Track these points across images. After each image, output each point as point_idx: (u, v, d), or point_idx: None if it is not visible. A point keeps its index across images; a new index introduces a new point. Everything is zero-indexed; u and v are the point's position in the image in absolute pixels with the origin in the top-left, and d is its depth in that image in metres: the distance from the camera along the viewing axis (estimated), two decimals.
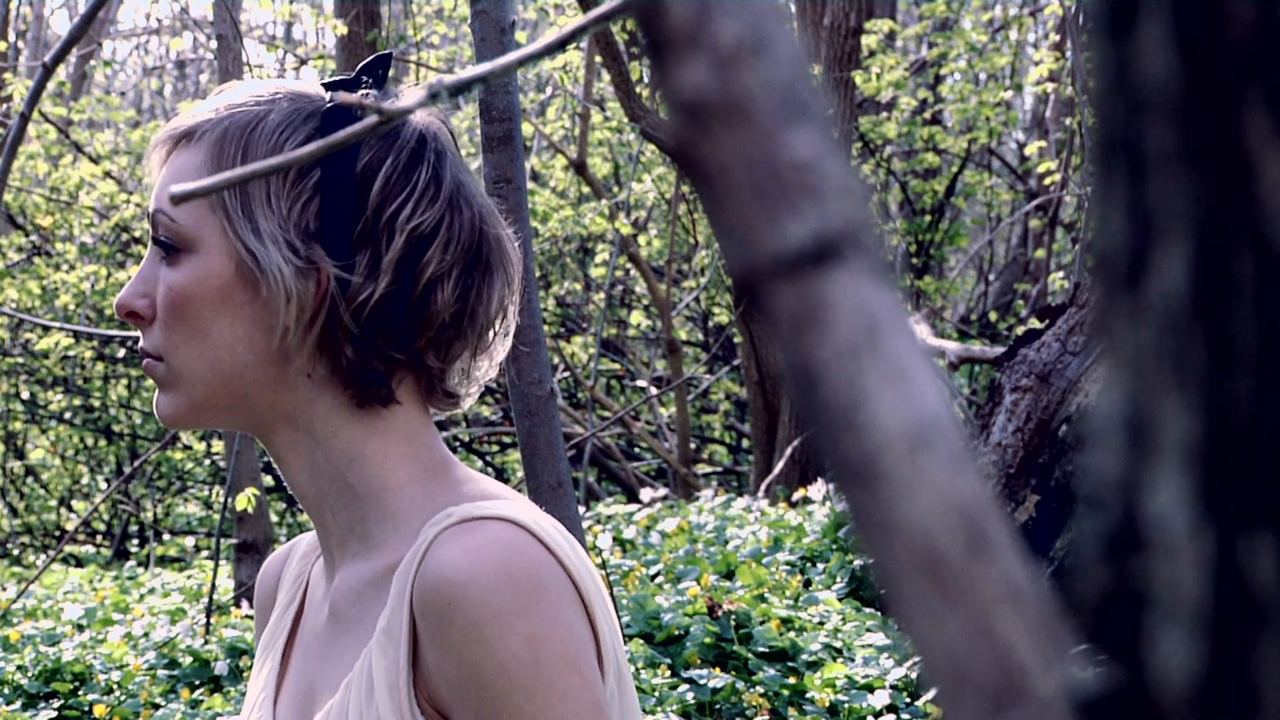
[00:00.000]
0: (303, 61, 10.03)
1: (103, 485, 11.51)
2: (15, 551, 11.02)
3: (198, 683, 4.59)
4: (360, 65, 1.33)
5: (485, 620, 1.13)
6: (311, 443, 1.26)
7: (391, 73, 1.36)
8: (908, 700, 4.08)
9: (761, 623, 4.42)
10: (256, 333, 1.23)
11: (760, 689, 4.05)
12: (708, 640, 4.24)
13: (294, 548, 1.41)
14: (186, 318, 1.23)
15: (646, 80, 7.61)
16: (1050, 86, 9.07)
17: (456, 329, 1.25)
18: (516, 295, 1.30)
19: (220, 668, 4.57)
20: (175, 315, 1.24)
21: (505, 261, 1.28)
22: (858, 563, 5.06)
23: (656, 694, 4.00)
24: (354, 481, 1.25)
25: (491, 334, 1.28)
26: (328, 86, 1.30)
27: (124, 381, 11.21)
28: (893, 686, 4.13)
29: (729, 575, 5.11)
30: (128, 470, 10.39)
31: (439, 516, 1.19)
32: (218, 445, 10.53)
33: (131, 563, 8.98)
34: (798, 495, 6.40)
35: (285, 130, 1.25)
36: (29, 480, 11.65)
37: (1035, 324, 3.94)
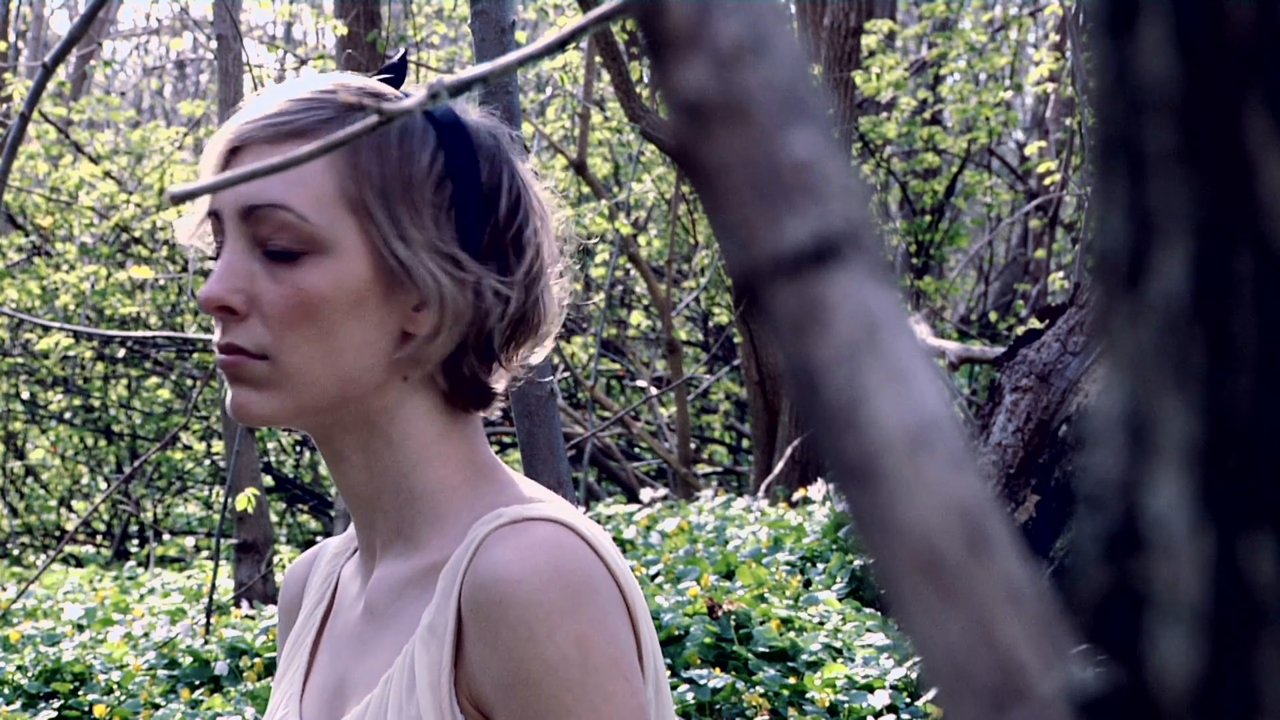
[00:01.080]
0: (303, 61, 10.04)
1: (103, 485, 11.51)
2: (15, 551, 11.02)
3: (198, 683, 4.59)
4: (383, 67, 1.34)
5: (536, 619, 1.14)
6: (382, 444, 1.26)
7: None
8: (908, 700, 4.08)
9: (761, 623, 4.42)
10: (381, 338, 1.23)
11: (760, 689, 4.05)
12: (708, 640, 4.24)
13: (321, 552, 1.43)
14: (316, 319, 1.22)
15: (646, 80, 7.61)
16: (1050, 86, 9.07)
17: (536, 333, 1.29)
18: (565, 296, 1.33)
19: (220, 668, 4.57)
20: (301, 316, 1.22)
21: (556, 261, 1.31)
22: (858, 563, 5.06)
23: None
24: (415, 483, 1.26)
25: (547, 336, 1.32)
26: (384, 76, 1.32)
27: (124, 381, 11.21)
28: (893, 686, 4.13)
29: (729, 575, 5.11)
30: (128, 470, 10.38)
31: (489, 516, 1.20)
32: (218, 445, 10.53)
33: (131, 563, 8.99)
34: (798, 495, 6.40)
35: (410, 134, 1.25)
36: (29, 480, 11.65)
37: (1035, 324, 3.94)
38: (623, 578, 1.18)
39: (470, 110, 1.30)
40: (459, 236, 1.23)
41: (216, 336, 1.26)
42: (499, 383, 1.29)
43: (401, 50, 1.36)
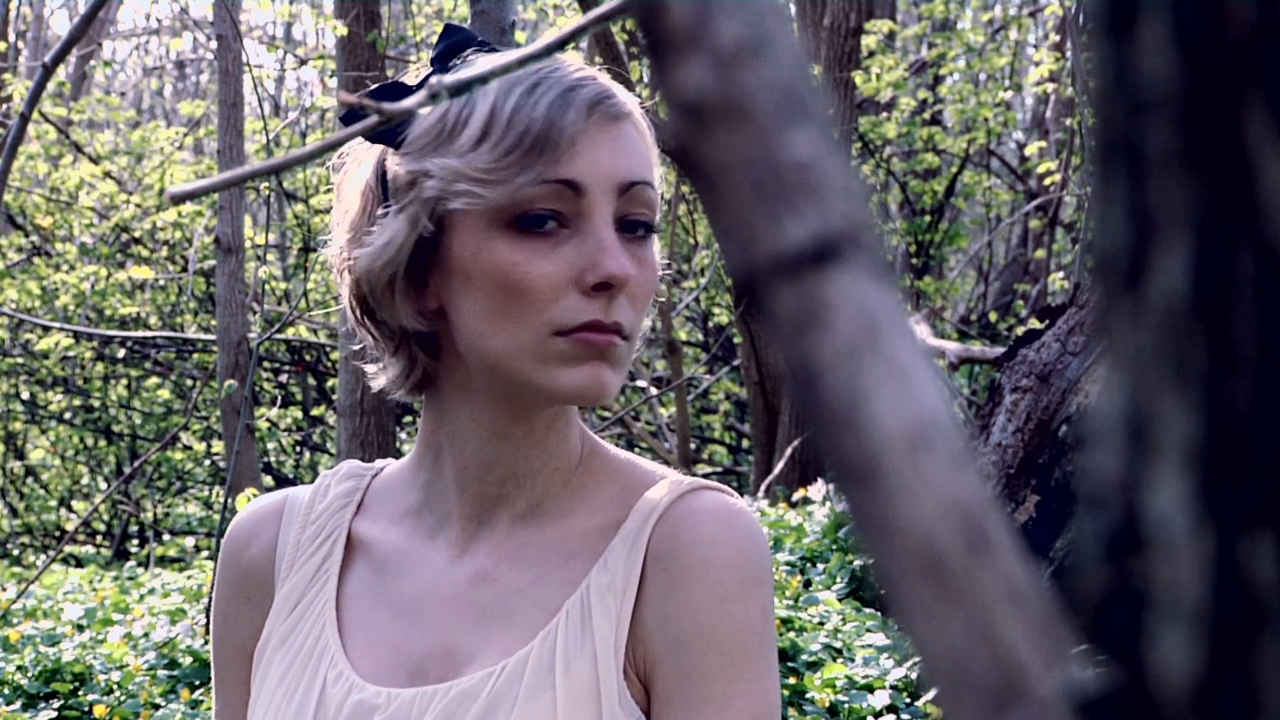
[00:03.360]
0: (303, 61, 10.03)
1: (103, 485, 11.51)
2: (15, 551, 11.02)
3: (198, 683, 4.59)
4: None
5: (734, 582, 1.17)
6: (565, 422, 1.28)
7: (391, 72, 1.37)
8: (908, 700, 4.08)
9: None
10: None
11: None
12: None
13: (286, 507, 1.38)
14: (652, 299, 1.27)
15: (646, 80, 7.61)
16: (1050, 87, 9.07)
17: None
18: None
19: None
20: (651, 295, 1.25)
21: None
22: (858, 563, 5.06)
23: None
24: (567, 458, 1.28)
25: None
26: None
27: (124, 381, 11.21)
28: (893, 686, 4.13)
29: None
30: (128, 470, 10.39)
31: (664, 484, 1.24)
32: (218, 445, 10.53)
33: (131, 563, 8.98)
34: (798, 495, 6.40)
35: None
36: (29, 480, 11.65)
37: (1035, 324, 3.94)
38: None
39: None
40: None
41: (591, 313, 1.21)
42: None
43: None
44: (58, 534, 11.13)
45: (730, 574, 1.18)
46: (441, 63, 1.30)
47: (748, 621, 1.17)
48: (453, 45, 1.31)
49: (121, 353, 10.80)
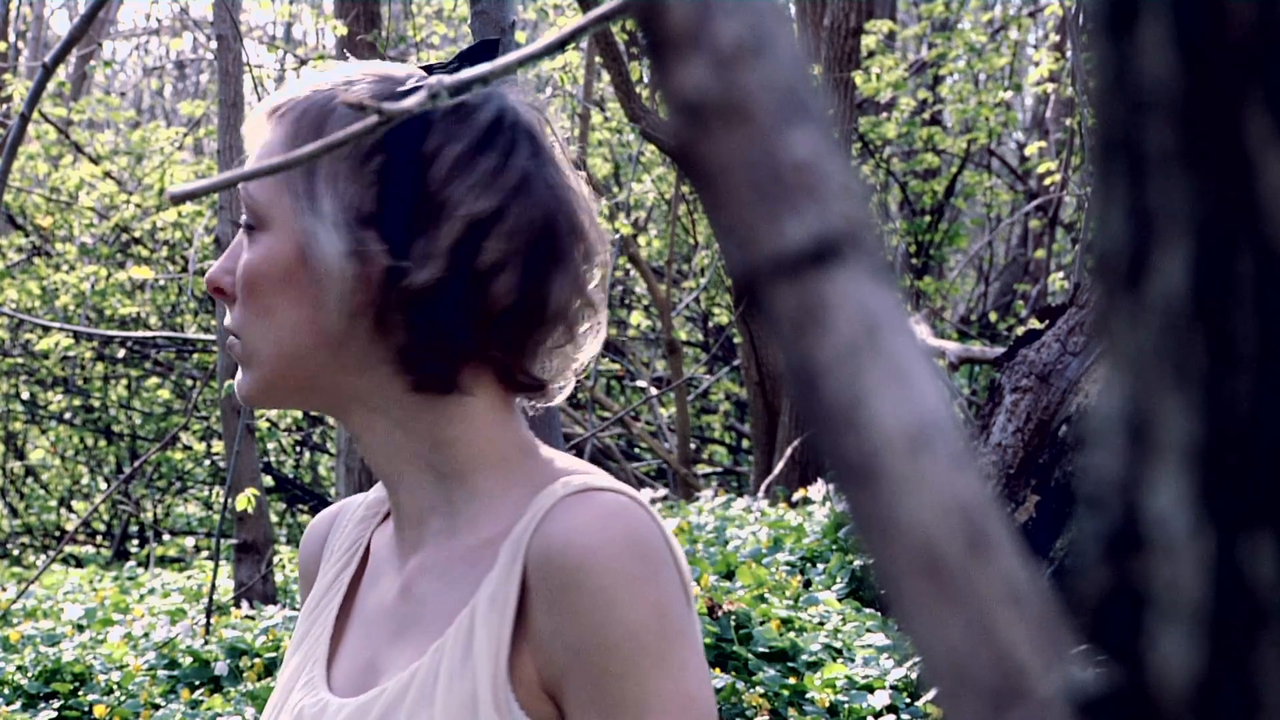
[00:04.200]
0: (303, 62, 10.03)
1: (103, 485, 11.51)
2: (15, 551, 11.02)
3: (198, 683, 4.59)
4: (464, 50, 1.32)
5: (616, 585, 1.13)
6: (388, 424, 1.24)
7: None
8: (908, 700, 4.08)
9: (761, 623, 4.42)
10: (318, 315, 1.21)
11: (760, 689, 4.05)
12: (708, 640, 4.24)
13: (343, 511, 1.40)
14: (255, 296, 1.22)
15: (646, 80, 7.61)
16: (1050, 87, 9.07)
17: (522, 320, 1.22)
18: (593, 285, 1.27)
19: (220, 668, 4.57)
20: (246, 293, 1.23)
21: (581, 252, 1.26)
22: (858, 563, 5.06)
23: None
24: (437, 463, 1.24)
25: (574, 325, 1.26)
26: (426, 70, 1.30)
27: (124, 381, 11.21)
28: (893, 687, 4.13)
29: (729, 575, 5.11)
30: (128, 470, 10.39)
31: (553, 487, 1.19)
32: (218, 445, 10.53)
33: (131, 563, 8.99)
34: (798, 495, 6.40)
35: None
36: (29, 480, 11.65)
37: (1035, 324, 3.94)
38: (679, 554, 1.18)
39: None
40: (379, 208, 1.20)
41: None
42: (547, 373, 1.26)
43: (494, 39, 1.35)
44: (58, 534, 11.13)
45: (611, 577, 1.13)
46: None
47: (640, 621, 1.13)
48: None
49: (121, 353, 10.80)
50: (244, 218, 1.25)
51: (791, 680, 4.11)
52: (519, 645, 1.17)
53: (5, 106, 9.15)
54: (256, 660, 4.57)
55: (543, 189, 1.24)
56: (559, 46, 0.64)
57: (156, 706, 4.38)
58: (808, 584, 5.15)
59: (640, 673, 1.13)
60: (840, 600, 4.88)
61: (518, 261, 1.21)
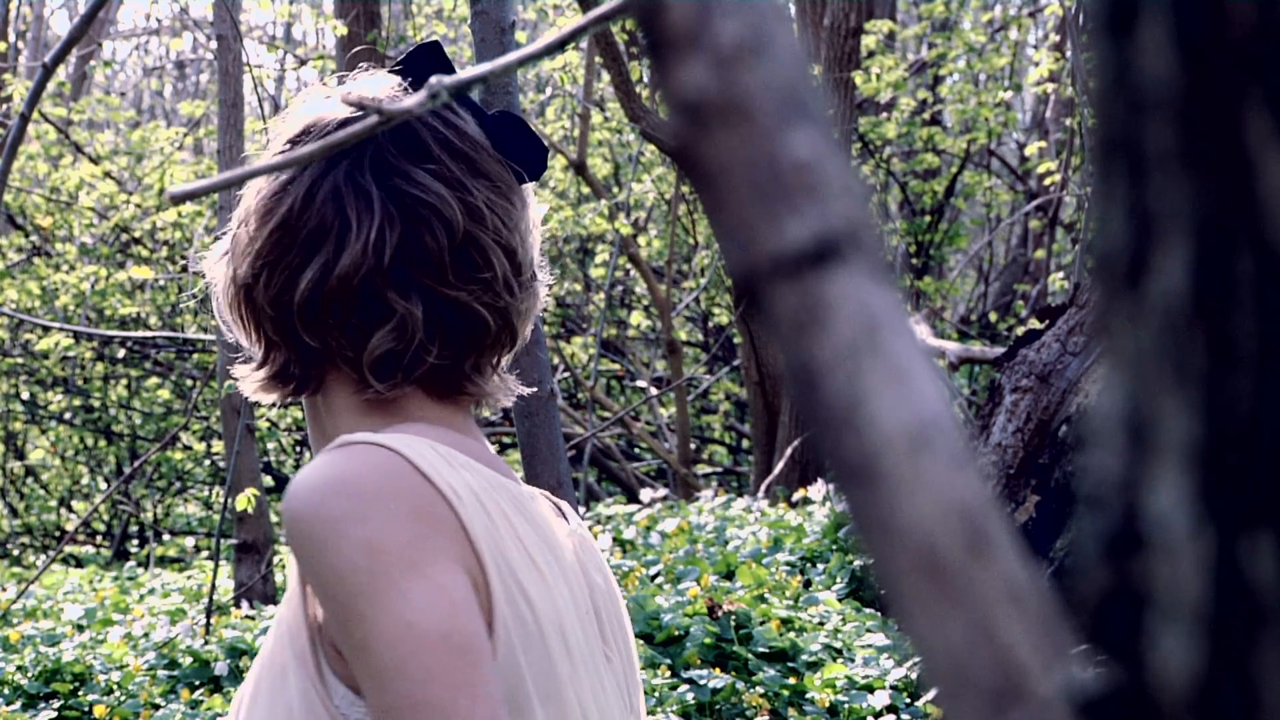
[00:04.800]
0: (303, 62, 10.03)
1: (103, 485, 11.51)
2: (15, 552, 11.02)
3: (198, 683, 4.59)
4: (409, 52, 1.38)
5: (321, 530, 1.15)
6: (310, 420, 1.39)
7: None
8: (908, 700, 4.08)
9: (761, 623, 4.42)
10: None
11: (760, 689, 4.05)
12: (708, 640, 4.24)
13: None
14: None
15: (646, 80, 7.61)
16: (1050, 87, 9.07)
17: (300, 315, 1.31)
18: (343, 273, 1.31)
19: (220, 668, 4.57)
20: None
21: (337, 242, 1.30)
22: (858, 563, 5.06)
23: (657, 694, 4.00)
24: (326, 443, 1.34)
25: (366, 315, 1.30)
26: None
27: (124, 382, 11.21)
28: (893, 687, 4.13)
29: (729, 575, 5.11)
30: (128, 470, 10.39)
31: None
32: (218, 445, 10.53)
33: (131, 563, 8.99)
34: (798, 495, 6.40)
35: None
36: (29, 480, 11.65)
37: (1035, 324, 3.94)
38: (460, 504, 1.19)
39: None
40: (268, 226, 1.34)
41: None
42: (382, 370, 1.32)
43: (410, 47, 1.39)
44: (58, 534, 11.13)
45: (314, 524, 1.15)
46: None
47: (347, 563, 1.14)
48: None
49: (121, 353, 10.80)
50: None
51: (791, 680, 4.11)
52: (306, 590, 1.23)
53: (5, 106, 9.15)
54: None
55: (299, 183, 1.33)
56: (559, 46, 0.64)
57: (156, 706, 4.38)
58: (808, 584, 5.15)
59: (357, 613, 1.14)
60: (840, 600, 4.88)
61: (263, 264, 1.33)
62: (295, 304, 1.31)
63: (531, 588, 1.22)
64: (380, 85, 1.37)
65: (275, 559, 6.48)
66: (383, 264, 1.29)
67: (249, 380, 1.37)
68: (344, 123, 1.35)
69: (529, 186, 1.39)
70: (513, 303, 1.33)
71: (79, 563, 10.46)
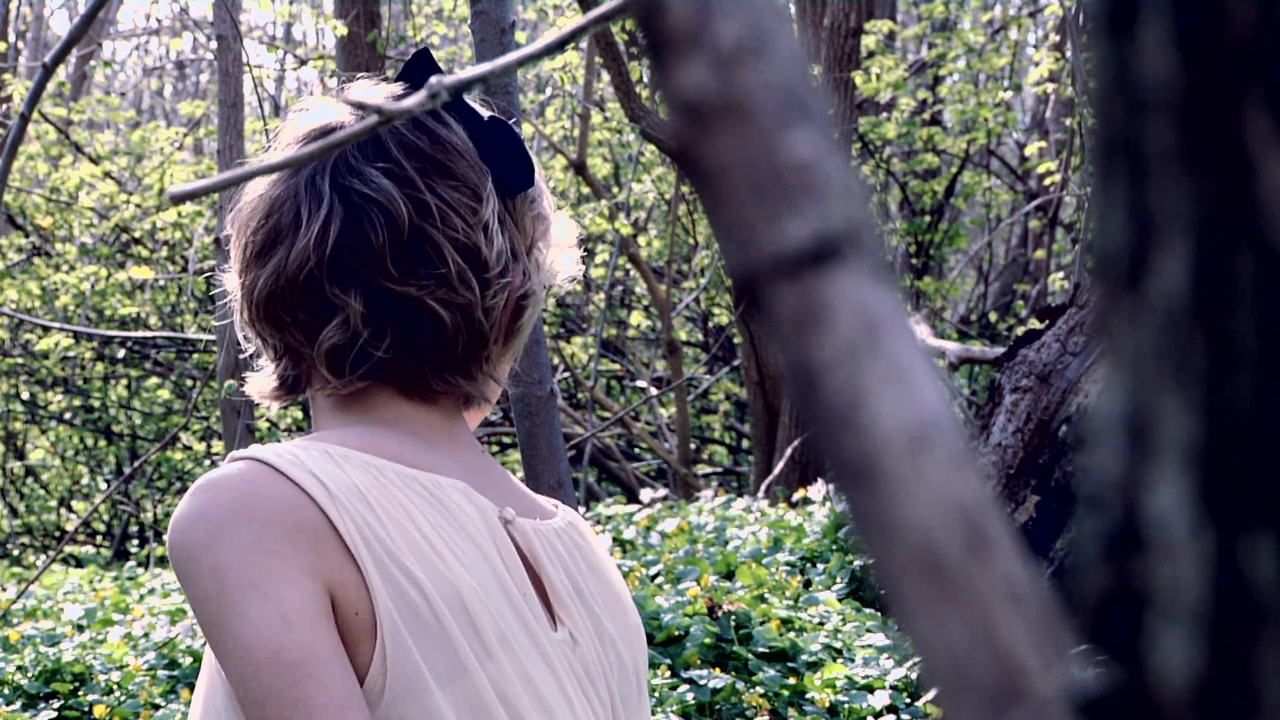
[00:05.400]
0: (303, 62, 10.03)
1: (103, 485, 11.50)
2: (15, 552, 11.02)
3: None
4: (406, 63, 1.41)
5: (182, 561, 1.21)
6: (317, 412, 1.42)
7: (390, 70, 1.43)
8: (908, 700, 4.08)
9: (761, 623, 4.42)
10: None
11: (760, 689, 4.05)
12: (708, 641, 4.24)
13: None
14: None
15: (646, 80, 7.61)
16: (1050, 87, 9.07)
17: (261, 313, 1.36)
18: (290, 270, 1.34)
19: None
20: None
21: (290, 241, 1.34)
22: (858, 563, 5.06)
23: (657, 694, 4.00)
24: None
25: (312, 310, 1.34)
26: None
27: (124, 382, 11.21)
28: (893, 687, 4.13)
29: (729, 576, 5.11)
30: (128, 470, 10.39)
31: None
32: (218, 445, 10.53)
33: (131, 563, 8.98)
34: (798, 496, 6.40)
35: None
36: (29, 480, 11.65)
37: (1035, 324, 3.94)
38: (330, 507, 1.22)
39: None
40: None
41: None
42: (340, 366, 1.36)
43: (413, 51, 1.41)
44: (58, 534, 11.13)
45: (177, 556, 1.21)
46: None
47: (201, 592, 1.19)
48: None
49: (121, 353, 10.80)
50: None
51: (791, 680, 4.11)
52: None
53: (5, 106, 9.15)
54: None
55: (278, 185, 1.38)
56: (559, 46, 0.64)
57: (156, 706, 4.38)
58: (808, 584, 5.15)
59: (212, 639, 1.20)
60: (840, 600, 4.88)
61: (240, 265, 1.38)
62: (254, 303, 1.36)
63: (421, 573, 1.24)
64: (381, 91, 1.40)
65: None
66: (323, 258, 1.32)
67: (260, 386, 1.41)
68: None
69: (546, 199, 1.42)
70: (474, 299, 1.34)
71: (79, 563, 10.45)
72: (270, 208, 1.36)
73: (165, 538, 1.23)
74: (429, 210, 1.33)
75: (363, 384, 1.35)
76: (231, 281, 1.41)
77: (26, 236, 10.51)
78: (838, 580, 5.10)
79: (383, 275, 1.32)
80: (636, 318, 10.81)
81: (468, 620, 1.25)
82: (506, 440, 9.99)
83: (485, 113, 1.41)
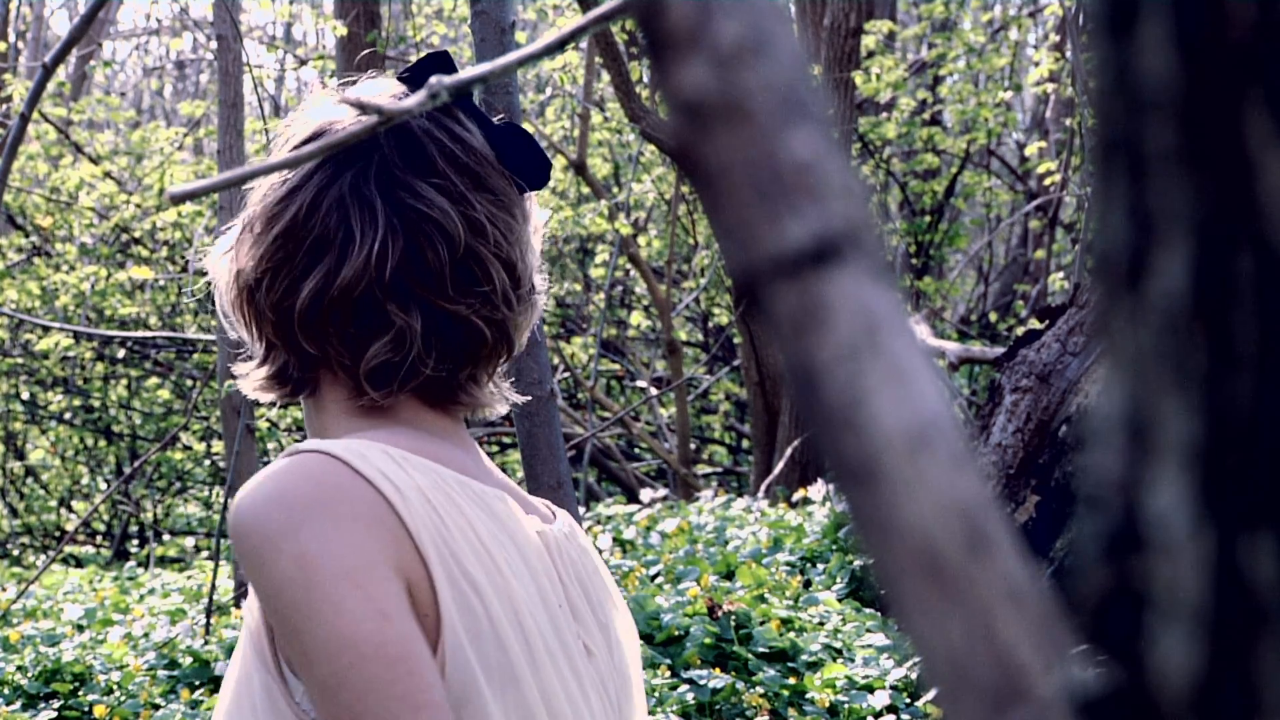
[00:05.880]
0: (303, 62, 10.03)
1: (103, 485, 11.50)
2: (15, 552, 11.02)
3: (198, 683, 4.59)
4: (419, 61, 1.39)
5: (259, 544, 1.18)
6: (314, 411, 1.40)
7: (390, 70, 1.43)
8: (908, 700, 4.08)
9: (761, 623, 4.42)
10: None
11: (760, 689, 4.05)
12: (708, 641, 4.24)
13: None
14: None
15: (646, 80, 7.61)
16: (1050, 87, 9.07)
17: (300, 322, 1.33)
18: (344, 284, 1.32)
19: (220, 668, 4.57)
20: None
21: (340, 253, 1.32)
22: (858, 563, 5.06)
23: (657, 694, 4.00)
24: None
25: (365, 325, 1.32)
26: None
27: (124, 382, 11.21)
28: (893, 687, 4.13)
29: (729, 576, 5.11)
30: (128, 470, 10.39)
31: None
32: (218, 445, 10.53)
33: (131, 563, 8.99)
34: (798, 496, 6.40)
35: None
36: (29, 480, 11.65)
37: (1035, 324, 3.94)
38: (401, 504, 1.21)
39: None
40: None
41: None
42: (374, 374, 1.34)
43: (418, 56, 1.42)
44: (58, 534, 11.13)
45: (252, 538, 1.18)
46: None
47: (282, 577, 1.16)
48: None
49: (121, 353, 10.80)
50: None
51: (791, 680, 4.11)
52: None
53: (5, 106, 9.15)
54: None
55: (304, 192, 1.35)
56: (559, 46, 0.64)
57: (156, 706, 4.38)
58: (808, 584, 5.15)
59: (295, 626, 1.17)
60: (840, 600, 4.88)
61: (269, 272, 1.35)
62: (296, 311, 1.32)
63: (483, 579, 1.23)
64: (383, 89, 1.39)
65: None
66: (384, 277, 1.30)
67: (249, 378, 1.39)
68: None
69: (531, 195, 1.40)
70: (510, 315, 1.34)
71: (79, 563, 10.46)
72: (309, 212, 1.33)
73: (231, 520, 1.19)
74: (482, 229, 1.32)
75: (402, 397, 1.34)
76: (225, 266, 1.38)
77: (26, 236, 10.51)
78: (838, 580, 5.10)
79: (440, 294, 1.31)
80: (636, 318, 10.81)
81: (520, 631, 1.25)
82: (506, 440, 9.99)
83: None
